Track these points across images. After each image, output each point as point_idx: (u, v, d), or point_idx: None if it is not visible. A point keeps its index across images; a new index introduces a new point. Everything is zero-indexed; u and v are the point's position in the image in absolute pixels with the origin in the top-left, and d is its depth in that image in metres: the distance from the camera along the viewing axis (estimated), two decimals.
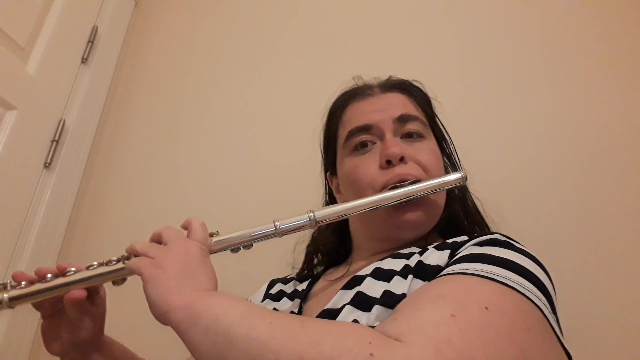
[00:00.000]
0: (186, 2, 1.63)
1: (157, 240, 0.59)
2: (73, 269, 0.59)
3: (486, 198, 0.84)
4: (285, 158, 1.23)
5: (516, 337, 0.42)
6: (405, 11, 1.33)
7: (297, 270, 0.89)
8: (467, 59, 1.20)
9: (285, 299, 0.78)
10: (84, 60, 1.40)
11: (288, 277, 0.87)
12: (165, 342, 0.73)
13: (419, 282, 0.56)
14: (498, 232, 0.62)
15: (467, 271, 0.49)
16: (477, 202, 0.82)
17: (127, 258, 0.58)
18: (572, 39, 1.13)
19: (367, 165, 0.72)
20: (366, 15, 1.37)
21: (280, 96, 1.34)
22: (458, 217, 0.79)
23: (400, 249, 0.67)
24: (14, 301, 0.56)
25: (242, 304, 0.47)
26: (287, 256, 0.95)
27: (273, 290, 0.82)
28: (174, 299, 0.48)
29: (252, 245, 0.63)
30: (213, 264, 0.57)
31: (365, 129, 0.74)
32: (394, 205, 0.67)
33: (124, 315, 0.94)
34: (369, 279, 0.60)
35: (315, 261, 0.89)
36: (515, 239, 0.59)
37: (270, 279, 0.87)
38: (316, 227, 0.67)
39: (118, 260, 0.59)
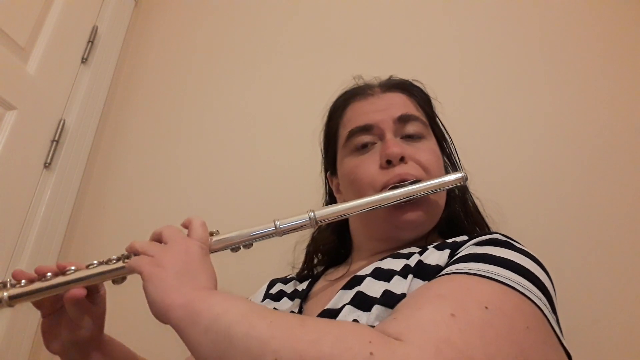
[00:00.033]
0: (186, 2, 1.63)
1: (158, 239, 0.59)
2: (73, 267, 0.59)
3: (486, 198, 0.84)
4: (285, 158, 1.23)
5: (516, 337, 0.42)
6: (405, 11, 1.33)
7: (297, 270, 0.90)
8: (467, 59, 1.20)
9: (285, 298, 0.78)
10: (84, 60, 1.40)
11: (288, 277, 0.87)
12: (165, 341, 0.73)
13: (418, 282, 0.56)
14: (498, 232, 0.62)
15: (467, 271, 0.49)
16: (477, 202, 0.82)
17: (127, 257, 0.58)
18: (572, 39, 1.13)
19: (368, 165, 0.72)
20: (366, 15, 1.37)
21: (280, 96, 1.34)
22: (458, 217, 0.79)
23: (400, 249, 0.67)
24: (13, 300, 0.56)
25: (242, 302, 0.47)
26: (287, 256, 0.95)
27: (273, 290, 0.82)
28: (174, 297, 0.48)
29: (252, 244, 0.63)
30: (213, 264, 0.57)
31: (366, 129, 0.74)
32: (394, 205, 0.67)
33: (124, 314, 0.94)
34: (368, 278, 0.60)
35: (315, 261, 0.89)
36: (515, 239, 0.59)
37: (271, 279, 0.87)
38: (316, 227, 0.67)
39: (118, 259, 0.59)
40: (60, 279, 0.58)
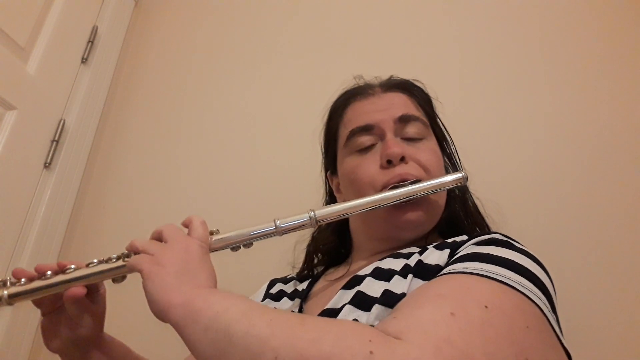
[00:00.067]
0: (186, 2, 1.63)
1: (158, 237, 0.59)
2: (73, 266, 0.59)
3: (486, 198, 0.84)
4: (285, 157, 1.23)
5: (516, 336, 0.42)
6: (405, 11, 1.33)
7: (297, 270, 0.89)
8: (467, 59, 1.20)
9: (285, 298, 0.78)
10: (84, 60, 1.40)
11: (288, 276, 0.87)
12: (165, 340, 0.73)
13: (418, 282, 0.56)
14: (498, 232, 0.62)
15: (467, 270, 0.49)
16: (477, 202, 0.82)
17: (127, 256, 0.58)
18: (572, 39, 1.13)
19: (368, 165, 0.72)
20: (366, 15, 1.37)
21: (280, 96, 1.34)
22: (458, 217, 0.79)
23: (400, 249, 0.67)
24: (13, 298, 0.56)
25: (241, 301, 0.47)
26: (287, 255, 0.95)
27: (273, 290, 0.82)
28: (174, 296, 0.48)
29: (253, 243, 0.63)
30: (213, 263, 0.57)
31: (367, 128, 0.74)
32: (394, 205, 0.67)
33: (124, 313, 0.94)
34: (368, 278, 0.60)
35: (316, 261, 0.89)
36: (515, 239, 0.59)
37: (271, 279, 0.87)
38: (316, 226, 0.67)
39: (118, 258, 0.59)
40: (60, 278, 0.58)
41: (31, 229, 1.16)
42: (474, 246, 0.56)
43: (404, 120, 0.74)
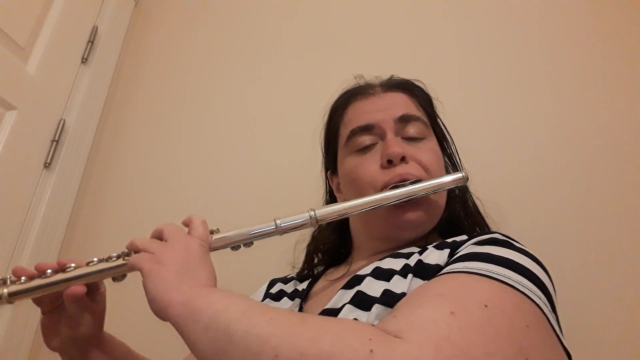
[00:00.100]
0: (186, 2, 1.63)
1: (158, 236, 0.59)
2: (73, 264, 0.59)
3: (486, 198, 0.84)
4: (285, 157, 1.23)
5: (516, 336, 0.42)
6: (405, 11, 1.33)
7: (297, 270, 0.89)
8: (467, 59, 1.21)
9: (285, 298, 0.78)
10: (84, 60, 1.40)
11: (288, 276, 0.87)
12: (165, 339, 0.73)
13: (418, 281, 0.56)
14: (498, 231, 0.62)
15: (467, 270, 0.49)
16: (477, 202, 0.82)
17: (128, 254, 0.58)
18: (572, 39, 1.13)
19: (369, 165, 0.72)
20: (366, 15, 1.37)
21: (281, 96, 1.34)
22: (458, 217, 0.79)
23: (400, 249, 0.67)
24: (13, 296, 0.56)
25: (242, 300, 0.47)
26: (288, 255, 0.95)
27: (273, 290, 0.82)
28: (174, 294, 0.48)
29: (253, 243, 0.63)
30: (213, 263, 0.57)
31: (367, 128, 0.74)
32: (394, 205, 0.67)
33: (124, 312, 0.94)
34: (368, 278, 0.60)
35: (316, 260, 0.89)
36: (515, 239, 0.59)
37: (271, 279, 0.87)
38: (317, 226, 0.67)
39: (118, 257, 0.59)
40: (60, 276, 0.58)
41: (31, 229, 1.16)
42: (473, 246, 0.56)
43: (404, 120, 0.74)
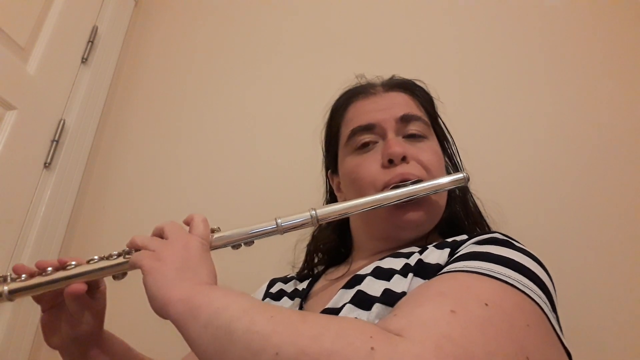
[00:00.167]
0: (186, 2, 1.63)
1: (159, 234, 0.59)
2: (74, 262, 0.59)
3: (486, 198, 0.84)
4: (286, 157, 1.23)
5: (516, 335, 0.42)
6: (405, 11, 1.33)
7: (297, 270, 0.89)
8: (468, 59, 1.21)
9: (285, 298, 0.78)
10: (84, 60, 1.39)
11: (288, 276, 0.87)
12: (165, 337, 0.73)
13: (419, 281, 0.56)
14: (498, 231, 0.62)
15: (467, 269, 0.49)
16: (477, 202, 0.82)
17: (128, 252, 0.58)
18: (572, 40, 1.13)
19: (369, 164, 0.72)
20: (366, 15, 1.37)
21: (281, 96, 1.34)
22: (459, 217, 0.79)
23: (400, 249, 0.67)
24: (13, 294, 0.57)
25: (242, 298, 0.47)
26: (288, 254, 0.95)
27: (273, 289, 0.82)
28: (174, 292, 0.48)
29: (253, 242, 0.63)
30: (214, 261, 0.57)
31: (368, 128, 0.74)
32: (395, 205, 0.67)
33: (124, 310, 0.94)
34: (369, 277, 0.60)
35: (316, 260, 0.89)
36: (515, 238, 0.59)
37: (271, 278, 0.87)
38: (317, 225, 0.67)
39: (119, 255, 0.59)
40: (61, 274, 0.58)
41: (31, 229, 1.16)
42: (474, 245, 0.56)
43: (405, 119, 0.74)
